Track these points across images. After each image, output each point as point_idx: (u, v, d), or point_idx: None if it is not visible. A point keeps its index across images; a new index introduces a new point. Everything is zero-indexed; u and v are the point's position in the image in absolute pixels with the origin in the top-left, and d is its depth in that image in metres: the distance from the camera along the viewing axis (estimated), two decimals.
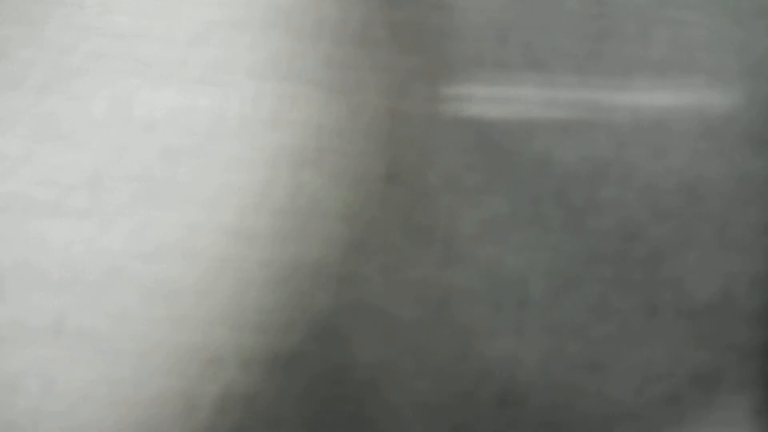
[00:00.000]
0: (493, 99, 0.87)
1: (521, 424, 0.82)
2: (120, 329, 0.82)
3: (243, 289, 0.84)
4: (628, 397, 0.84)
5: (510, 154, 0.87)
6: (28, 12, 0.86)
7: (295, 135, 0.86)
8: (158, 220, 0.84)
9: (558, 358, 0.84)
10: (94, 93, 0.85)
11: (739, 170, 0.88)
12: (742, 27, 0.89)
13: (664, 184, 0.88)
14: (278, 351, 0.82)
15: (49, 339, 0.82)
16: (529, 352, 0.84)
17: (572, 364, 0.84)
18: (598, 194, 0.87)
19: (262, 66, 0.86)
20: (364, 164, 0.86)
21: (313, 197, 0.85)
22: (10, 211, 0.83)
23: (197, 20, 0.86)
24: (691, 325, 0.85)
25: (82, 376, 0.81)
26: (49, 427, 0.80)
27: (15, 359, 0.81)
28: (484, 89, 0.87)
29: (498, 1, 0.88)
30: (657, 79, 0.88)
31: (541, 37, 0.88)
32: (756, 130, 0.88)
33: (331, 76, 0.86)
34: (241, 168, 0.85)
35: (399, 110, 0.86)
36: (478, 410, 0.82)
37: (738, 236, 0.87)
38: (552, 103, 0.87)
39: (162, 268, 0.83)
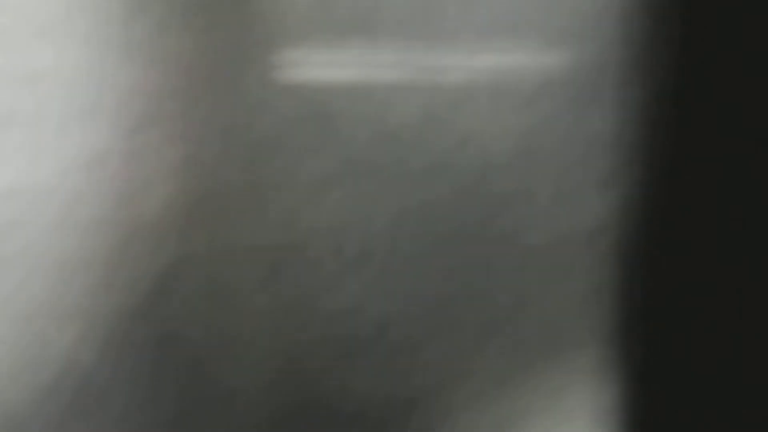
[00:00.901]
0: (323, 64, 0.86)
1: None
2: None
3: None
4: None
5: (340, 117, 0.86)
6: None
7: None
8: None
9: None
10: None
11: (569, 131, 0.88)
12: None
13: (498, 146, 0.87)
14: None
15: None
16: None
17: None
18: (435, 157, 0.86)
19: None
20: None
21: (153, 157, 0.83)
22: None
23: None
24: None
25: None
26: None
27: None
28: (313, 55, 0.86)
29: None
30: (486, 41, 0.88)
31: (365, 3, 0.88)
32: (586, 91, 0.88)
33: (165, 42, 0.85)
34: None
35: (233, 79, 0.85)
36: None
37: (571, 191, 0.87)
38: (382, 65, 0.86)
39: None
